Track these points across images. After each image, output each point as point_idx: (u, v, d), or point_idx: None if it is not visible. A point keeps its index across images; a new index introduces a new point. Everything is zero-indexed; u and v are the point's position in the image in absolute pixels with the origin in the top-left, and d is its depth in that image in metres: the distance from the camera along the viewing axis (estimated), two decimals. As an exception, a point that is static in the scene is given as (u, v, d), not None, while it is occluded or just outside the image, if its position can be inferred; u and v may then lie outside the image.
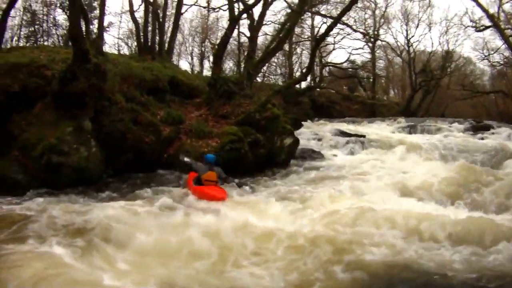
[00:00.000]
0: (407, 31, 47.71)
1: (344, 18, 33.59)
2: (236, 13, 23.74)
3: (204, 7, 37.93)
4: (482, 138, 22.63)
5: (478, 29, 37.16)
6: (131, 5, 27.26)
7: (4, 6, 18.99)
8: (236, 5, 24.71)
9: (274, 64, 45.97)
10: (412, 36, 47.88)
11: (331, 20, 30.68)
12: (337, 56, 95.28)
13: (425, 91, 43.99)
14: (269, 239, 7.89)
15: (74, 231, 7.87)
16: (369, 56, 47.53)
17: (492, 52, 41.46)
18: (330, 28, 23.40)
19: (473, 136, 23.62)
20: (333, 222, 8.82)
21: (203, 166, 12.18)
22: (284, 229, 8.30)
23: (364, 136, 21.99)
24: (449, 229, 8.41)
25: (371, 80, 48.02)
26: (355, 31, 41.35)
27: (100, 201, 10.77)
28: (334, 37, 43.40)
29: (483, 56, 43.71)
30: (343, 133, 22.79)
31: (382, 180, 13.56)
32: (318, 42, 24.72)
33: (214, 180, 11.77)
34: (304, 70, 36.99)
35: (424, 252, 7.54)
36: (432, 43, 74.21)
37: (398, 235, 8.20)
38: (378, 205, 10.00)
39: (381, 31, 46.91)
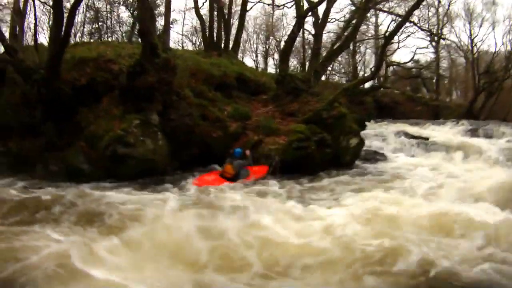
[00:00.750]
0: (470, 30, 46.66)
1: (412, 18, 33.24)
2: (302, 10, 23.79)
3: (269, 5, 37.83)
4: None
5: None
6: (196, 2, 27.58)
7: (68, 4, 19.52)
8: (301, 2, 24.70)
9: (338, 63, 45.57)
10: (476, 36, 46.88)
11: (396, 18, 30.49)
12: (401, 56, 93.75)
13: (488, 93, 42.64)
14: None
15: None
16: (433, 55, 46.65)
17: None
18: (399, 26, 23.31)
19: (539, 140, 23.07)
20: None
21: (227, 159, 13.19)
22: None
23: (427, 139, 21.77)
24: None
25: (434, 81, 47.12)
26: (421, 29, 40.63)
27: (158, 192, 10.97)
28: (399, 36, 42.31)
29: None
30: (407, 135, 22.54)
31: (445, 184, 13.33)
32: (387, 40, 24.58)
33: (229, 172, 12.91)
34: (371, 69, 36.76)
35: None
36: (496, 43, 71.71)
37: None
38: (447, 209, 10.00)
39: (445, 30, 45.66)
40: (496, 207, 10.93)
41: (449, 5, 43.84)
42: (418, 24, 38.90)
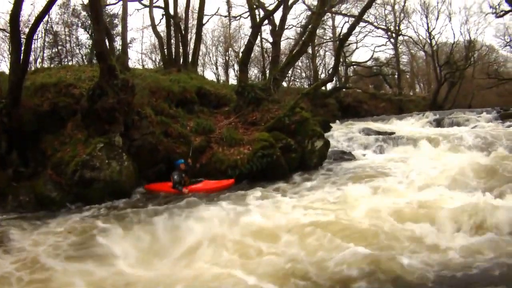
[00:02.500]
0: (428, 23, 47.62)
1: (364, 16, 33.59)
2: (258, 19, 23.92)
3: (225, 16, 38.16)
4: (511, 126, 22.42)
5: (498, 15, 36.78)
6: (152, 20, 27.69)
7: (26, 29, 19.36)
8: (257, 11, 24.85)
9: (299, 68, 46.04)
10: (433, 29, 47.89)
11: (352, 19, 30.82)
12: (360, 55, 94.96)
13: (451, 83, 43.64)
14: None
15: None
16: (392, 52, 47.49)
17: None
18: (352, 27, 23.59)
19: (502, 124, 23.41)
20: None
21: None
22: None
23: (393, 133, 21.92)
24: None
25: (396, 76, 47.54)
26: (377, 28, 41.24)
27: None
28: (356, 36, 43.16)
29: (505, 43, 43.48)
30: (373, 132, 22.72)
31: (417, 175, 13.41)
32: (342, 41, 24.89)
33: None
34: (329, 71, 37.03)
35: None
36: (454, 34, 73.32)
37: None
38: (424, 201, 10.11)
39: (402, 26, 46.71)
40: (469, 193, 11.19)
41: (405, 1, 44.64)
42: (375, 23, 39.54)
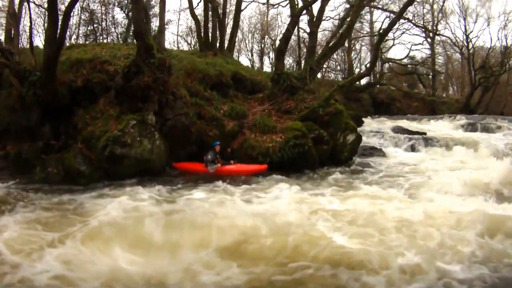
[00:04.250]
0: (465, 26, 46.97)
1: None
2: (297, 8, 23.78)
3: (264, 4, 37.97)
4: None
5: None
6: (190, 2, 27.54)
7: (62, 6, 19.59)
8: (296, 0, 24.71)
9: (334, 60, 45.60)
10: (471, 32, 47.21)
11: (391, 15, 30.53)
12: (397, 53, 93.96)
13: (485, 88, 43.10)
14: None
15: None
16: (428, 52, 47.01)
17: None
18: (393, 23, 23.41)
19: (538, 134, 23.14)
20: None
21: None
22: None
23: (425, 134, 21.79)
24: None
25: (430, 77, 47.13)
26: (416, 25, 40.68)
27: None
28: (394, 33, 42.50)
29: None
30: (404, 130, 22.65)
31: (445, 178, 13.43)
32: (381, 37, 24.74)
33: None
34: (366, 66, 36.80)
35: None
36: (491, 39, 72.35)
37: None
38: (454, 205, 10.01)
39: (440, 27, 46.02)
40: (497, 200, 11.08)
41: (443, 2, 44.06)
42: (413, 21, 39.07)
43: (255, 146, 15.09)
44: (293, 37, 31.20)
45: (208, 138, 15.08)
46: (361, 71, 42.73)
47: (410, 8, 38.62)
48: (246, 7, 33.67)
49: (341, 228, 8.07)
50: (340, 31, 25.83)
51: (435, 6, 44.74)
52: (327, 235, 7.64)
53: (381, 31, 31.62)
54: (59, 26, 13.70)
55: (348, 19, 24.71)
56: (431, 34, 44.38)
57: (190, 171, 14.20)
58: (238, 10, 28.78)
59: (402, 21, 36.94)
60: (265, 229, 7.88)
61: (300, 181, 12.88)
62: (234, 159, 14.74)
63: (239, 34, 41.07)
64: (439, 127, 26.33)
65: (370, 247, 7.14)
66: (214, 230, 7.74)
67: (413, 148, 20.02)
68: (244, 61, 44.24)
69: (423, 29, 42.39)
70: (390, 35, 41.66)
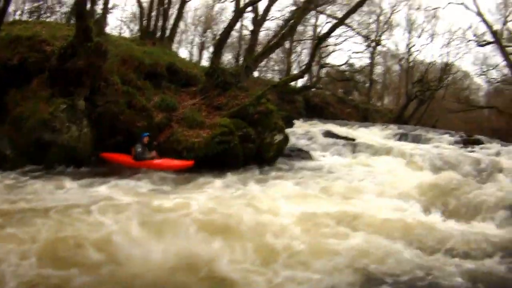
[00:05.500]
0: (409, 39, 48.25)
1: (347, 21, 33.79)
2: (242, 5, 23.86)
3: (211, -3, 37.94)
4: (472, 151, 22.84)
5: (480, 44, 37.51)
6: (137, -13, 27.31)
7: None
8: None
9: (273, 60, 45.88)
10: (414, 45, 48.32)
11: (335, 21, 31.01)
12: (336, 58, 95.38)
13: (420, 101, 44.27)
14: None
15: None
16: (368, 60, 47.91)
17: (491, 68, 42.09)
18: (333, 28, 23.73)
19: (463, 148, 23.83)
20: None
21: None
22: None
23: (353, 140, 22.10)
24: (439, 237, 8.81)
25: (367, 85, 48.06)
26: (358, 34, 41.46)
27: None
28: (336, 39, 43.40)
29: (481, 72, 44.28)
30: (334, 135, 22.88)
31: (365, 184, 13.86)
32: (320, 40, 24.98)
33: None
34: (302, 68, 37.11)
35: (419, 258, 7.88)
36: (433, 55, 74.49)
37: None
38: (363, 210, 10.37)
39: (383, 37, 47.01)
40: (410, 207, 11.56)
41: (391, 14, 45.10)
42: (357, 29, 39.76)
43: (181, 141, 15.01)
44: (235, 33, 31.38)
45: (136, 129, 14.81)
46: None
47: (356, 17, 39.40)
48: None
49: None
50: (282, 32, 26.04)
51: (381, 17, 45.74)
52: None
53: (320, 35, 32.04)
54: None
55: (292, 21, 24.96)
56: (373, 44, 45.29)
57: (117, 162, 14.03)
58: (184, 1, 28.48)
59: (346, 28, 37.66)
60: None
61: (217, 179, 12.80)
62: (159, 152, 14.56)
63: (182, 25, 40.91)
64: (369, 134, 26.75)
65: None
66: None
67: (340, 153, 20.19)
68: (184, 53, 44.12)
69: (366, 38, 43.19)
70: (332, 40, 42.38)
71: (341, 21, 24.47)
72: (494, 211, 12.65)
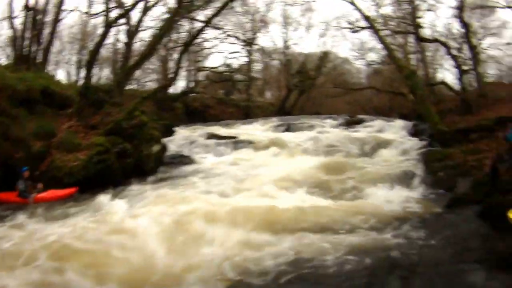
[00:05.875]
0: (286, 34, 49.91)
1: (222, 23, 34.65)
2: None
3: (85, 13, 37.40)
4: (355, 132, 24.17)
5: (355, 30, 39.12)
6: (10, 11, 26.73)
7: None
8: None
9: (150, 70, 44.89)
10: (291, 39, 50.14)
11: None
12: (216, 60, 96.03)
13: (300, 91, 45.95)
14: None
15: None
16: (246, 59, 48.29)
17: (368, 52, 44.12)
18: (197, 33, 24.32)
19: (347, 130, 25.11)
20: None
21: None
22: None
23: (235, 138, 22.81)
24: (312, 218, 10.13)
25: (247, 83, 48.78)
26: (230, 36, 41.90)
27: None
28: (212, 42, 42.93)
29: (359, 56, 46.24)
30: (215, 136, 23.43)
31: (246, 178, 14.95)
32: (185, 46, 25.44)
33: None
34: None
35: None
36: (310, 46, 76.96)
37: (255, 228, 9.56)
38: (244, 202, 11.32)
39: (260, 34, 48.45)
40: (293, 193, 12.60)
41: (266, 12, 46.59)
42: (230, 31, 40.49)
43: (61, 167, 15.02)
44: (111, 48, 31.38)
45: (14, 161, 14.48)
46: (180, 81, 43.58)
47: (233, 18, 40.13)
48: (64, 17, 32.74)
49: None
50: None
51: (257, 16, 46.80)
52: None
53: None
54: None
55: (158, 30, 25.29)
56: (248, 43, 46.12)
57: (3, 202, 13.35)
58: (56, 19, 28.10)
59: (219, 31, 38.32)
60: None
61: (91, 201, 12.88)
62: (42, 182, 14.06)
63: (58, 45, 40.19)
64: (251, 130, 27.48)
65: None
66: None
67: (222, 153, 20.79)
68: (62, 73, 43.17)
69: (238, 39, 43.81)
70: (208, 44, 42.67)
71: (205, 25, 25.00)
72: (378, 183, 14.19)
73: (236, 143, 21.92)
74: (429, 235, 9.54)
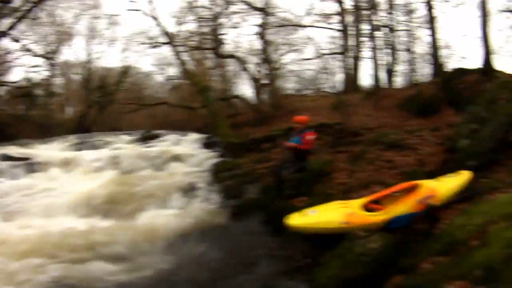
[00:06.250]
0: (89, 47, 50.04)
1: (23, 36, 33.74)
2: None
3: None
4: (150, 147, 24.85)
5: (154, 46, 40.04)
6: None
7: None
8: None
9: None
10: (94, 53, 50.42)
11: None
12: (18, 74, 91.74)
13: (100, 106, 46.14)
14: None
15: None
16: (48, 73, 47.33)
17: (167, 67, 45.38)
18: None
19: (141, 145, 25.76)
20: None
21: None
22: None
23: (29, 159, 22.23)
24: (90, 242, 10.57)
25: (47, 98, 47.28)
26: (29, 50, 40.91)
27: None
28: (11, 55, 42.06)
29: (161, 71, 47.32)
30: (9, 158, 22.67)
31: (33, 203, 14.89)
32: None
33: None
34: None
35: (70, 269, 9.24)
36: (112, 60, 76.97)
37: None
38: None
39: (65, 46, 48.01)
40: (73, 217, 12.83)
41: (71, 25, 46.88)
42: (33, 44, 39.53)
43: None
44: None
45: None
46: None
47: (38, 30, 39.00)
48: None
49: None
50: None
51: (63, 28, 46.63)
52: None
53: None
54: None
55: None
56: (49, 56, 45.25)
57: None
58: None
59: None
60: None
61: None
62: None
63: None
64: (48, 149, 27.07)
65: None
66: None
67: (15, 176, 20.08)
68: None
69: (38, 53, 42.91)
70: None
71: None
72: (165, 198, 14.93)
73: (30, 164, 21.45)
74: (209, 250, 10.32)
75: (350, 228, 9.14)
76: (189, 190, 16.00)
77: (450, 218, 9.01)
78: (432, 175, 11.99)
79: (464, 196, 10.33)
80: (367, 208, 10.14)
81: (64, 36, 47.43)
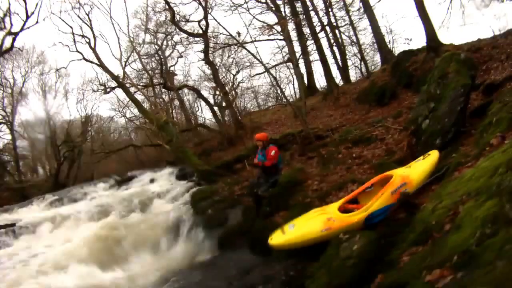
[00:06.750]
0: (45, 103, 49.62)
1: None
2: None
3: None
4: (127, 189, 25.08)
5: (106, 91, 40.07)
6: None
7: None
8: None
9: None
10: (52, 108, 50.05)
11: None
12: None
13: (71, 160, 46.09)
14: None
15: None
16: (9, 137, 47.33)
17: (125, 109, 45.87)
18: None
19: (118, 190, 25.93)
20: None
21: None
22: None
23: (14, 224, 21.93)
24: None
25: (15, 163, 47.31)
26: None
27: None
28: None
29: (120, 113, 47.52)
30: None
31: (24, 269, 14.71)
32: None
33: None
34: None
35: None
36: (70, 112, 76.93)
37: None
38: None
39: (20, 107, 47.86)
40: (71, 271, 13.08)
41: (23, 84, 47.06)
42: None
43: None
44: None
45: None
46: None
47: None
48: None
49: None
50: None
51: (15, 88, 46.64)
52: None
53: None
54: None
55: None
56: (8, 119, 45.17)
57: None
58: None
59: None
60: None
61: None
62: None
63: None
64: (29, 212, 26.89)
65: None
66: None
67: (4, 243, 19.79)
68: None
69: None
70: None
71: None
72: (148, 241, 15.08)
73: (16, 230, 21.21)
74: (199, 285, 10.47)
75: (332, 234, 8.95)
76: (174, 228, 16.03)
77: (427, 201, 8.58)
78: (402, 162, 12.43)
79: (436, 176, 10.06)
80: (345, 209, 10.06)
81: (17, 96, 47.31)
